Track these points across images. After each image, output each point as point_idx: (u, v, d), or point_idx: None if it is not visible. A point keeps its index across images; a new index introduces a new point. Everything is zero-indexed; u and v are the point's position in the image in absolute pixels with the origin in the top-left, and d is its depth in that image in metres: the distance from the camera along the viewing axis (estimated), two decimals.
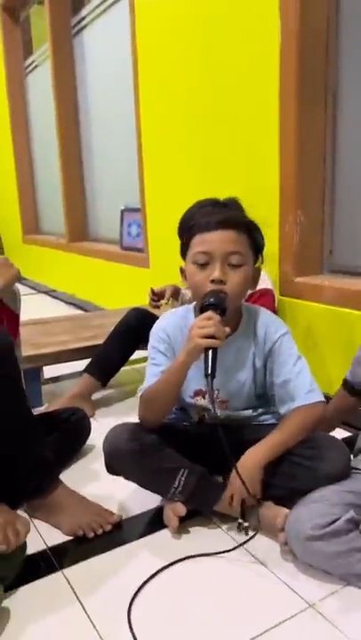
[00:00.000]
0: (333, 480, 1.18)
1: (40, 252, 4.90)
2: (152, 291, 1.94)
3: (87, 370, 2.04)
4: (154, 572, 1.12)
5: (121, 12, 3.10)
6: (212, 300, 1.17)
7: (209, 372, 1.12)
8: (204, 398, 1.36)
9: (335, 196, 1.94)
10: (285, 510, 1.19)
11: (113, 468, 1.32)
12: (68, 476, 1.45)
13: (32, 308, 2.95)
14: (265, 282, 1.93)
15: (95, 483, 1.48)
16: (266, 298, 1.85)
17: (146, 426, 1.31)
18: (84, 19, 3.75)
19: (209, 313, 1.15)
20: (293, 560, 1.14)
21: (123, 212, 3.41)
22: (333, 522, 1.07)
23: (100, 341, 2.08)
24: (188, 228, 1.25)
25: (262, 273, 1.95)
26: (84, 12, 3.73)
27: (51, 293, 4.66)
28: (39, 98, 4.75)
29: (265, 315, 1.36)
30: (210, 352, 1.13)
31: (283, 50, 1.84)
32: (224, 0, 2.09)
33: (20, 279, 1.46)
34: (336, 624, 0.98)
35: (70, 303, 4.16)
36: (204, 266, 1.21)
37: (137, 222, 3.25)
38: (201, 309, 1.19)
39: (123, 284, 3.31)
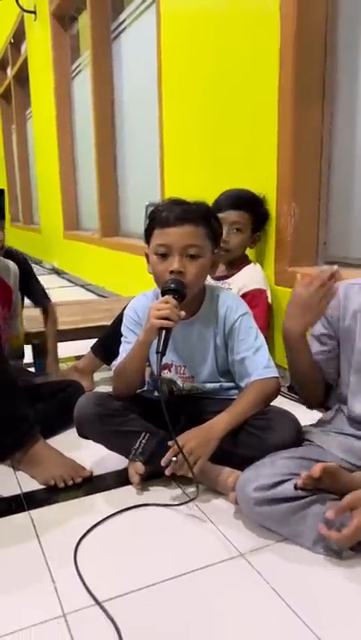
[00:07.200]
0: (281, 449, 1.25)
1: (77, 246, 5.13)
2: None
3: (92, 348, 2.18)
4: (105, 516, 1.24)
5: (152, 17, 3.24)
6: (172, 285, 1.29)
7: (160, 349, 1.24)
8: (170, 371, 1.47)
9: (330, 189, 1.99)
10: (238, 472, 1.27)
11: (81, 430, 1.44)
12: (58, 440, 1.59)
13: (65, 298, 3.16)
14: (259, 281, 2.00)
15: (82, 446, 1.55)
16: (257, 299, 1.94)
17: (118, 397, 1.43)
18: (123, 22, 3.92)
19: (166, 297, 1.28)
20: (238, 517, 1.23)
21: (147, 207, 3.55)
22: (277, 484, 1.15)
23: (106, 323, 2.21)
24: (151, 220, 1.37)
25: (258, 271, 2.05)
26: (122, 16, 3.91)
27: (86, 287, 4.86)
28: (82, 101, 4.98)
29: (226, 296, 1.46)
30: (163, 332, 1.25)
31: (282, 48, 1.92)
32: (233, 8, 2.20)
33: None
34: (262, 573, 1.06)
35: (101, 295, 4.34)
36: (164, 256, 1.33)
37: None
38: (162, 294, 1.31)
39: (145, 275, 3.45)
